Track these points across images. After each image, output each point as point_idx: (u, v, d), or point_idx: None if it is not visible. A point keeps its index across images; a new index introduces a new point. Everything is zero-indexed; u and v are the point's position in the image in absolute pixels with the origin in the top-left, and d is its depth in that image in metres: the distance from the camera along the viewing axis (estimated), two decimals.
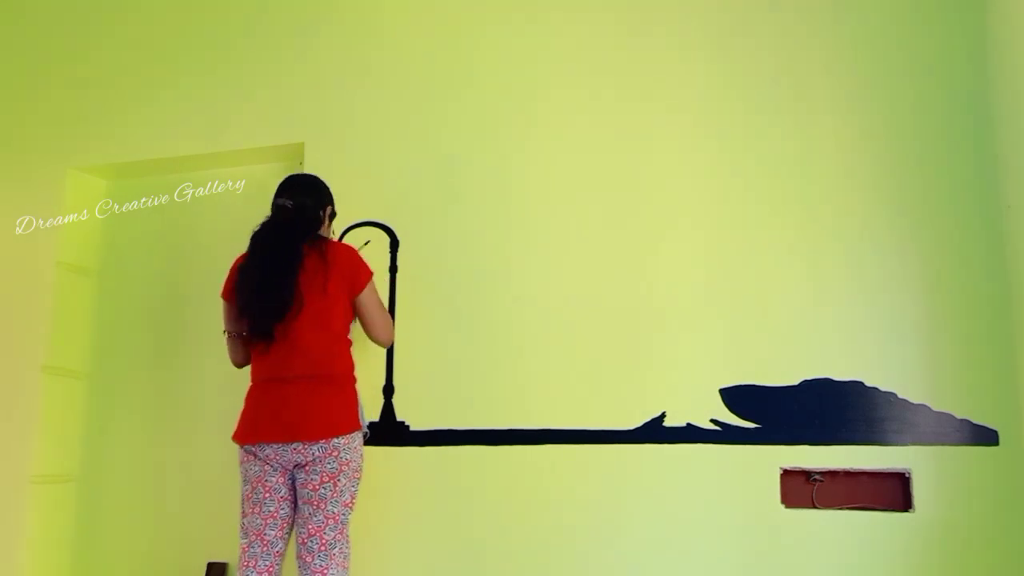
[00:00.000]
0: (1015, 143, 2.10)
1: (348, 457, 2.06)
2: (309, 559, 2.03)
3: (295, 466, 2.06)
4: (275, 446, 2.05)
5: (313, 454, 2.03)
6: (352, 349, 2.22)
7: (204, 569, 2.67)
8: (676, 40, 2.49)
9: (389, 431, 2.47)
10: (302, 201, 2.19)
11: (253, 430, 2.09)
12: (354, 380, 2.17)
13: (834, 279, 2.25)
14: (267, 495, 2.08)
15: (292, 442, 2.03)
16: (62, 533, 2.86)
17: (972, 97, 2.25)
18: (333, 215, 2.34)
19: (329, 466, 2.03)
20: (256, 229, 2.16)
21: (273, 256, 2.08)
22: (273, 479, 2.08)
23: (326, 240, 2.17)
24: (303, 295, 2.06)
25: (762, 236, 2.32)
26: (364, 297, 2.17)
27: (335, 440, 2.04)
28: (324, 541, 2.02)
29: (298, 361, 2.07)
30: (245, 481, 2.13)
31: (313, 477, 2.04)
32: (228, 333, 2.23)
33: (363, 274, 2.17)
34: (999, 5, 2.19)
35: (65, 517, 2.88)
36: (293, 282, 2.04)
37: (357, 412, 2.14)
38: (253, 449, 2.09)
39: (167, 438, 2.85)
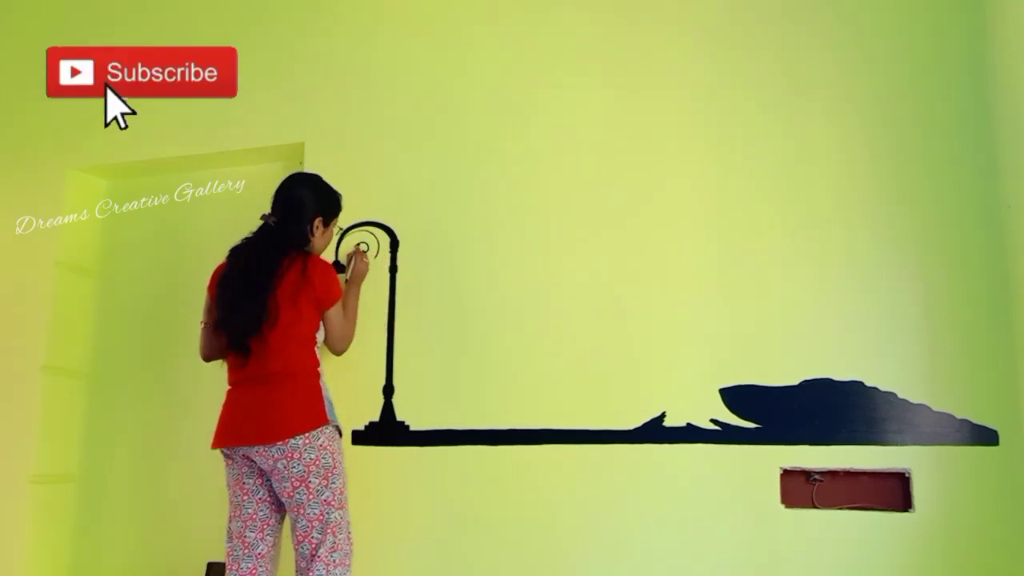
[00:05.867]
0: (1015, 143, 2.10)
1: (313, 456, 2.04)
2: (302, 564, 2.05)
3: (265, 470, 2.07)
4: (243, 449, 2.08)
5: (274, 456, 2.03)
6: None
7: (204, 569, 2.67)
8: (676, 38, 2.49)
9: (389, 431, 2.47)
10: (288, 218, 2.23)
11: (223, 434, 2.12)
12: (318, 375, 2.18)
13: (834, 279, 2.25)
14: (245, 497, 2.11)
15: (254, 445, 2.05)
16: (61, 533, 2.86)
17: (972, 97, 2.25)
18: (330, 219, 2.34)
19: (295, 470, 2.03)
20: (236, 244, 2.21)
21: (248, 274, 2.12)
22: (250, 481, 2.11)
23: (309, 256, 2.21)
24: (279, 306, 2.10)
25: (762, 236, 2.32)
26: (327, 315, 2.24)
27: (293, 441, 2.02)
28: (312, 545, 2.03)
29: (262, 363, 2.10)
30: (227, 485, 2.17)
31: (285, 484, 2.04)
32: (204, 324, 2.26)
33: (329, 298, 2.22)
34: (999, 5, 2.19)
35: (65, 517, 2.88)
36: (267, 300, 2.08)
37: (322, 408, 2.12)
38: (228, 452, 2.13)
39: (167, 438, 2.84)
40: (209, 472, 2.73)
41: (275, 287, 2.10)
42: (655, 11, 2.52)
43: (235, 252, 2.20)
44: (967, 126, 2.24)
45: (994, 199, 2.18)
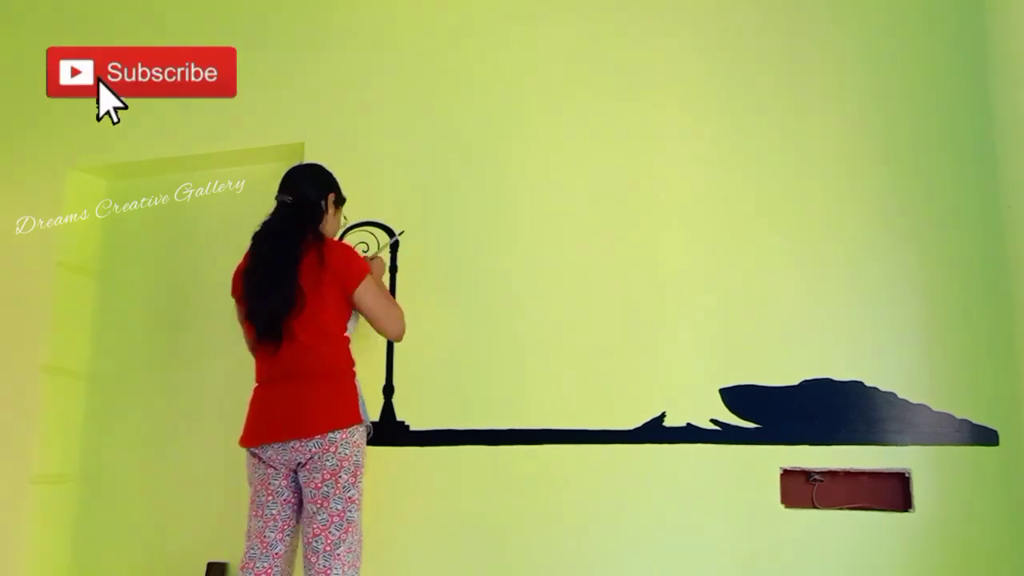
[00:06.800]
0: (1015, 143, 2.10)
1: (347, 452, 2.04)
2: (314, 559, 2.01)
3: (298, 465, 2.06)
4: (276, 446, 2.06)
5: (311, 450, 2.02)
6: (352, 347, 2.21)
7: (204, 569, 2.67)
8: (676, 41, 2.49)
9: (389, 431, 2.47)
10: (303, 194, 2.20)
11: (254, 432, 2.10)
12: (353, 375, 2.16)
13: (834, 279, 2.25)
14: (270, 498, 2.09)
15: (290, 440, 2.03)
16: (62, 533, 2.86)
17: (972, 97, 2.25)
18: (340, 201, 2.32)
19: (329, 462, 2.02)
20: (257, 229, 2.18)
21: (273, 257, 2.09)
22: (276, 482, 2.09)
23: (324, 240, 2.16)
24: (304, 293, 2.06)
25: (762, 236, 2.32)
26: (359, 294, 2.13)
27: (331, 435, 2.03)
28: (329, 540, 2.01)
29: (295, 360, 2.08)
30: (250, 484, 2.15)
31: (315, 475, 2.03)
32: (243, 322, 2.22)
33: (355, 273, 2.13)
34: (999, 6, 2.19)
35: (65, 517, 2.88)
36: (294, 280, 2.05)
37: (357, 406, 2.12)
38: (256, 451, 2.11)
39: (167, 438, 2.84)
40: (209, 472, 2.74)
41: (297, 272, 2.06)
42: (655, 20, 2.52)
43: (256, 238, 2.16)
44: (967, 127, 2.24)
45: (994, 199, 2.18)
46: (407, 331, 2.26)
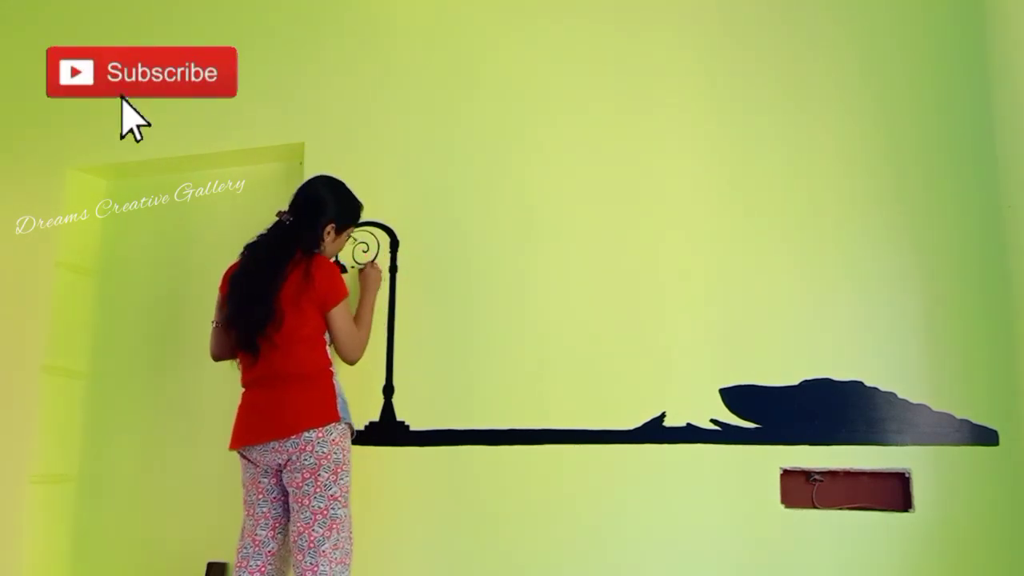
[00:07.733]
0: (1015, 143, 2.10)
1: (325, 451, 2.06)
2: (300, 557, 2.04)
3: (279, 466, 2.10)
4: (258, 448, 2.10)
5: (288, 451, 2.05)
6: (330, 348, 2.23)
7: (204, 569, 2.67)
8: (676, 42, 2.49)
9: (389, 431, 2.47)
10: (303, 217, 2.24)
11: (238, 435, 2.15)
12: (330, 375, 2.18)
13: (834, 279, 2.25)
14: (259, 496, 2.14)
15: (269, 441, 2.07)
16: (62, 533, 2.86)
17: (972, 97, 2.25)
18: (344, 227, 2.32)
19: (307, 461, 2.05)
20: (252, 240, 2.22)
21: (258, 273, 2.14)
22: (265, 480, 2.14)
23: (313, 257, 2.19)
24: (283, 309, 2.11)
25: (762, 236, 2.32)
26: (331, 316, 2.19)
27: (306, 434, 2.05)
28: (312, 538, 2.03)
29: (273, 364, 2.12)
30: (242, 485, 2.19)
31: (295, 475, 2.06)
32: (215, 323, 2.28)
33: (334, 295, 2.18)
34: (999, 5, 2.19)
35: (65, 517, 2.88)
36: (273, 299, 2.10)
37: (334, 405, 2.13)
38: (244, 453, 2.15)
39: (167, 438, 2.85)
40: (209, 472, 2.74)
41: (279, 288, 2.11)
42: (655, 19, 2.52)
43: (248, 249, 2.21)
44: (967, 126, 2.24)
45: (994, 199, 2.18)
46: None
